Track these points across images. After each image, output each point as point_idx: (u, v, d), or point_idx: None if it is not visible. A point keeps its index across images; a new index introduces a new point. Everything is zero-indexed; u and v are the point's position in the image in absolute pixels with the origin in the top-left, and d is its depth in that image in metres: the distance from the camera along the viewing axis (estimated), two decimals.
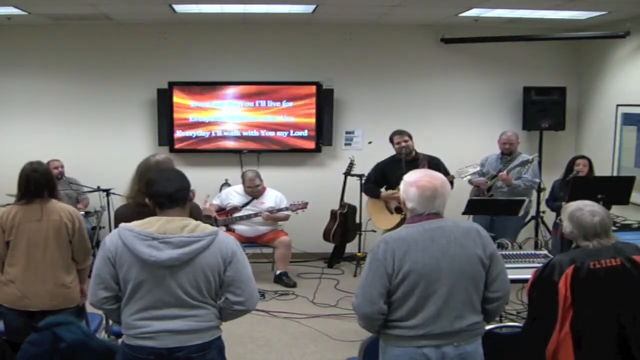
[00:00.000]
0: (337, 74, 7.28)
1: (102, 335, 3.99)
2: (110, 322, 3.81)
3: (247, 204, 6.55)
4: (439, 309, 2.51)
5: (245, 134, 7.22)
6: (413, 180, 2.62)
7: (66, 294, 3.57)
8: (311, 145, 7.28)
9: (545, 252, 4.43)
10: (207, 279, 2.53)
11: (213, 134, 7.21)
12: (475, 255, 2.55)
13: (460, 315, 2.54)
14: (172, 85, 7.04)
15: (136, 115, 7.25)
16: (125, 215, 3.05)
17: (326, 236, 7.10)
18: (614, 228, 2.95)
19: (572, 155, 6.37)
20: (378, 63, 7.36)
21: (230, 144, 7.25)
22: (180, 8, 6.18)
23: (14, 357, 2.96)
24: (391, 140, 5.79)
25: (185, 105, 7.12)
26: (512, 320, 4.91)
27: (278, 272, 6.50)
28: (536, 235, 6.79)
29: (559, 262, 2.78)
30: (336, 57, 7.32)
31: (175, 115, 7.10)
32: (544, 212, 6.76)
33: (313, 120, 7.20)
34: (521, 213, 5.48)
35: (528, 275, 3.01)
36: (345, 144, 7.50)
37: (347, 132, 7.49)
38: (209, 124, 7.19)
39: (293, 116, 7.21)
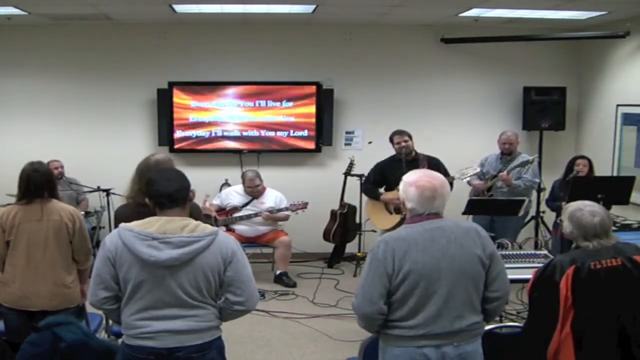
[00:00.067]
0: (337, 74, 7.28)
1: (102, 335, 3.99)
2: (110, 322, 3.81)
3: (247, 204, 6.55)
4: (439, 309, 2.51)
5: (245, 134, 7.22)
6: (412, 181, 2.62)
7: (66, 294, 3.57)
8: (311, 145, 7.28)
9: (545, 252, 4.43)
10: (207, 279, 2.53)
11: (213, 134, 7.21)
12: (475, 255, 2.55)
13: (460, 315, 2.54)
14: (172, 85, 7.05)
15: (136, 115, 7.25)
16: (125, 215, 3.05)
17: (326, 236, 7.10)
18: (614, 228, 2.94)
19: (572, 155, 6.37)
20: (378, 63, 7.36)
21: (230, 144, 7.25)
22: (180, 8, 6.18)
23: (14, 357, 2.96)
24: (391, 140, 5.79)
25: (185, 105, 7.12)
26: (512, 320, 4.91)
27: (278, 272, 6.50)
28: (536, 235, 6.79)
29: (559, 262, 2.78)
30: (336, 57, 7.32)
31: (175, 115, 7.10)
32: (544, 212, 6.76)
33: (313, 120, 7.20)
34: (521, 213, 5.48)
35: (528, 275, 3.01)
36: (345, 144, 7.50)
37: (347, 132, 7.49)
38: (209, 124, 7.19)
39: (293, 116, 7.20)
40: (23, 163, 3.64)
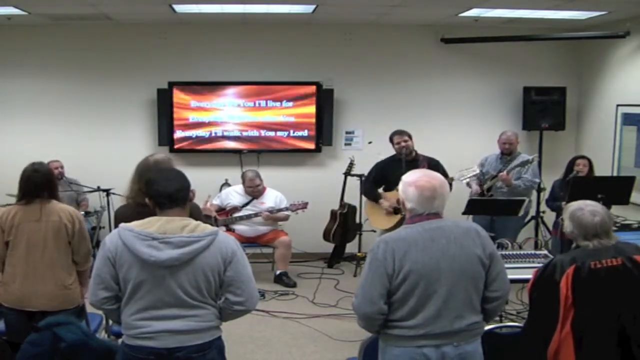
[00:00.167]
0: (337, 74, 7.28)
1: (102, 335, 3.99)
2: (110, 322, 3.81)
3: (247, 204, 6.55)
4: (439, 309, 2.51)
5: (245, 134, 7.22)
6: (412, 181, 2.62)
7: (66, 295, 3.57)
8: (311, 145, 7.28)
9: (545, 252, 4.43)
10: (207, 279, 2.53)
11: (213, 134, 7.21)
12: (475, 255, 2.55)
13: (460, 315, 2.54)
14: (172, 85, 7.05)
15: (136, 115, 7.25)
16: (125, 215, 3.06)
17: (326, 236, 7.10)
18: (613, 228, 2.94)
19: (572, 155, 6.37)
20: (378, 63, 7.36)
21: (230, 144, 7.25)
22: (180, 8, 6.18)
23: (14, 357, 2.96)
24: (391, 140, 5.79)
25: (185, 105, 7.12)
26: (512, 320, 4.91)
27: (278, 272, 6.50)
28: (536, 235, 6.79)
29: (560, 261, 2.78)
30: (336, 57, 7.32)
31: (175, 115, 7.10)
32: (544, 212, 6.77)
33: (313, 120, 7.20)
34: (521, 213, 5.49)
35: (528, 275, 3.01)
36: (345, 144, 7.50)
37: (347, 132, 7.49)
38: (209, 124, 7.19)
39: (293, 116, 7.21)
40: (23, 163, 3.64)
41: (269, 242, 6.57)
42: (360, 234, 7.01)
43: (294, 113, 7.20)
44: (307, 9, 6.24)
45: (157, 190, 2.61)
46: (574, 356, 2.69)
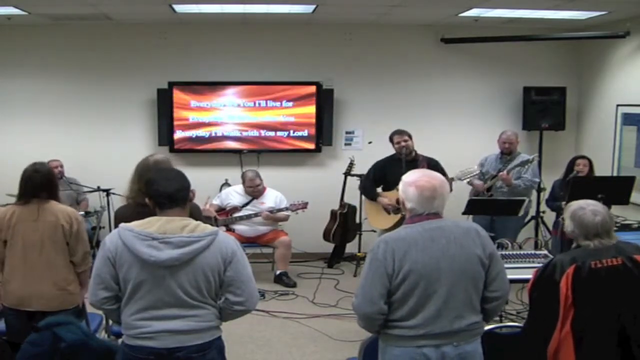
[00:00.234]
0: (337, 74, 7.28)
1: (102, 335, 3.99)
2: (110, 322, 3.81)
3: (247, 204, 6.55)
4: (439, 309, 2.51)
5: (245, 134, 7.22)
6: (412, 180, 2.62)
7: (65, 296, 3.56)
8: (311, 145, 7.28)
9: (545, 252, 4.43)
10: (207, 279, 2.53)
11: (213, 134, 7.21)
12: (474, 255, 2.56)
13: (460, 315, 2.54)
14: (172, 85, 7.05)
15: (136, 115, 7.25)
16: (125, 215, 3.06)
17: (326, 236, 7.10)
18: (614, 228, 2.94)
19: (572, 155, 6.38)
20: (378, 63, 7.36)
21: (230, 144, 7.25)
22: (180, 8, 6.18)
23: (14, 357, 2.96)
24: (391, 139, 5.78)
25: (185, 105, 7.12)
26: (512, 320, 4.91)
27: (278, 272, 6.50)
28: (536, 235, 6.80)
29: (560, 261, 2.78)
30: (336, 57, 7.32)
31: (175, 115, 7.10)
32: (544, 212, 6.77)
33: (313, 120, 7.20)
34: (521, 213, 5.49)
35: (528, 275, 3.01)
36: (345, 144, 7.50)
37: (347, 132, 7.49)
38: (209, 124, 7.19)
39: (293, 116, 7.20)
40: (23, 163, 3.64)
41: (269, 242, 6.57)
42: (360, 234, 7.01)
43: (294, 113, 7.20)
44: (307, 9, 6.24)
45: (157, 190, 2.61)
46: (573, 356, 2.69)
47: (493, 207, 5.51)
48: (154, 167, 3.18)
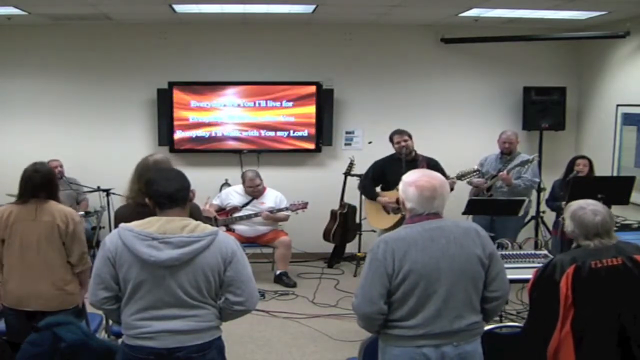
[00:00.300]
0: (337, 74, 7.28)
1: (102, 335, 3.99)
2: (110, 322, 3.81)
3: (247, 204, 6.55)
4: (438, 309, 2.51)
5: (245, 134, 7.22)
6: (412, 180, 2.62)
7: (64, 296, 3.56)
8: (311, 145, 7.28)
9: (545, 252, 4.43)
10: (207, 279, 2.53)
11: (213, 134, 7.21)
12: (474, 255, 2.56)
13: (460, 315, 2.54)
14: (172, 85, 7.05)
15: (136, 115, 7.25)
16: (125, 215, 3.06)
17: (326, 236, 7.10)
18: (614, 228, 2.94)
19: (572, 155, 6.38)
20: (378, 63, 7.36)
21: (230, 144, 7.25)
22: (180, 8, 6.18)
23: (14, 357, 2.96)
24: (391, 139, 5.78)
25: (186, 105, 7.12)
26: (512, 320, 4.91)
27: (278, 272, 6.50)
28: (536, 235, 6.80)
29: (560, 261, 2.78)
30: (336, 57, 7.32)
31: (175, 115, 7.10)
32: (544, 212, 6.77)
33: (313, 120, 7.20)
34: (521, 213, 5.49)
35: (528, 275, 3.01)
36: (345, 144, 7.50)
37: (347, 132, 7.49)
38: (209, 124, 7.19)
39: (293, 116, 7.21)
40: (23, 163, 3.64)
41: (269, 242, 6.57)
42: (360, 234, 7.01)
43: (294, 113, 7.20)
44: (307, 9, 6.24)
45: (157, 190, 2.61)
46: (573, 356, 2.69)
47: (493, 207, 5.51)
48: (153, 167, 3.18)
